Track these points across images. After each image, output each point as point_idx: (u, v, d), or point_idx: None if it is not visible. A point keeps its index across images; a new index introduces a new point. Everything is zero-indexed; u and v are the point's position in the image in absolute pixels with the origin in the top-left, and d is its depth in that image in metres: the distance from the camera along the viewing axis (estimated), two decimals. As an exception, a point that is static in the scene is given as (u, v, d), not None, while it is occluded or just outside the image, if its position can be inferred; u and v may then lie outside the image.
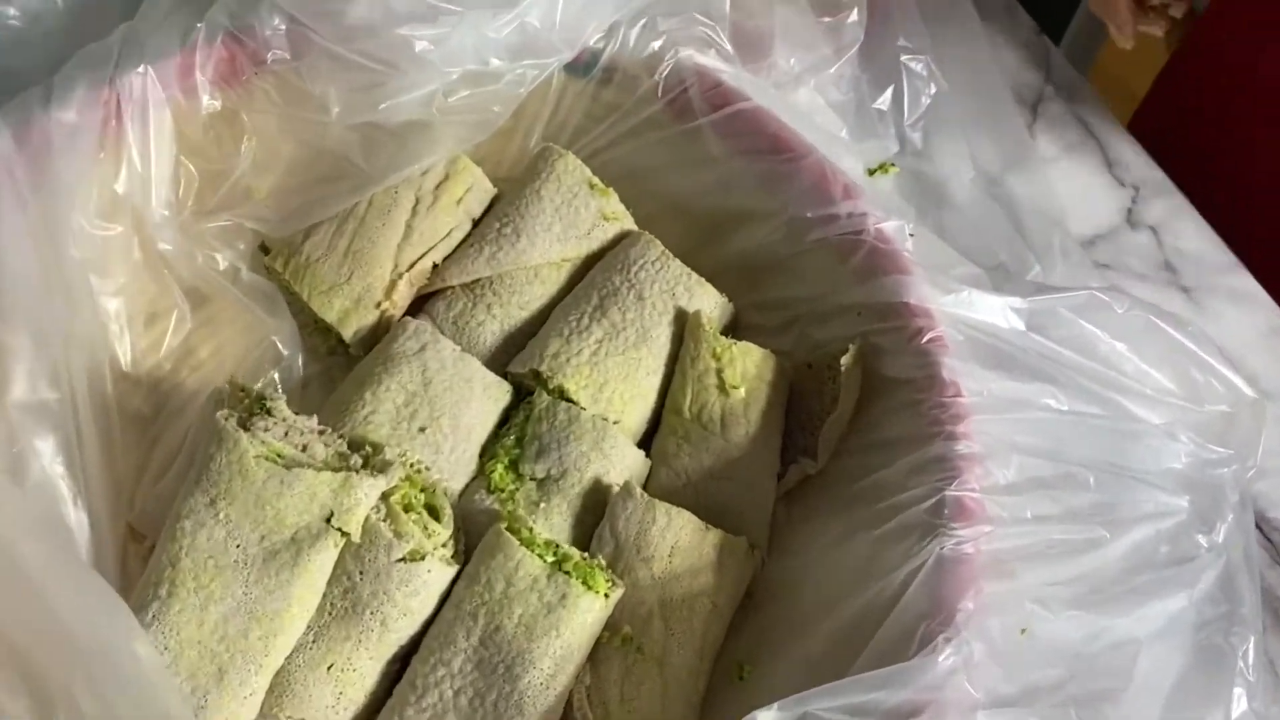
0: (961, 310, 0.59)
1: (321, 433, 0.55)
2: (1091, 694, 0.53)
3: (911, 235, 0.62)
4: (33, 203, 0.57)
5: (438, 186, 0.67)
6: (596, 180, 0.68)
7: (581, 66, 0.67)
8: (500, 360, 0.66)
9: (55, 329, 0.55)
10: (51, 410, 0.55)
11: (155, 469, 0.63)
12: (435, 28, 0.61)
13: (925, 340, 0.58)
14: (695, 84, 0.66)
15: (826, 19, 0.75)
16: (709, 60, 0.68)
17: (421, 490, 0.56)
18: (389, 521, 0.53)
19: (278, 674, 0.52)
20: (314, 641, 0.52)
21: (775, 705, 0.47)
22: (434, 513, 0.56)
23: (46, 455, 0.55)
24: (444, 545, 0.55)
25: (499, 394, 0.64)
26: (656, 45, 0.68)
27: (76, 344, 0.56)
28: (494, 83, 0.63)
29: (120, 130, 0.62)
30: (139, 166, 0.63)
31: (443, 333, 0.65)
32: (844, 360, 0.60)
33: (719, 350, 0.63)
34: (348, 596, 0.52)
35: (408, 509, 0.54)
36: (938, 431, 0.55)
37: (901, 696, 0.47)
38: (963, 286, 0.60)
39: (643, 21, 0.68)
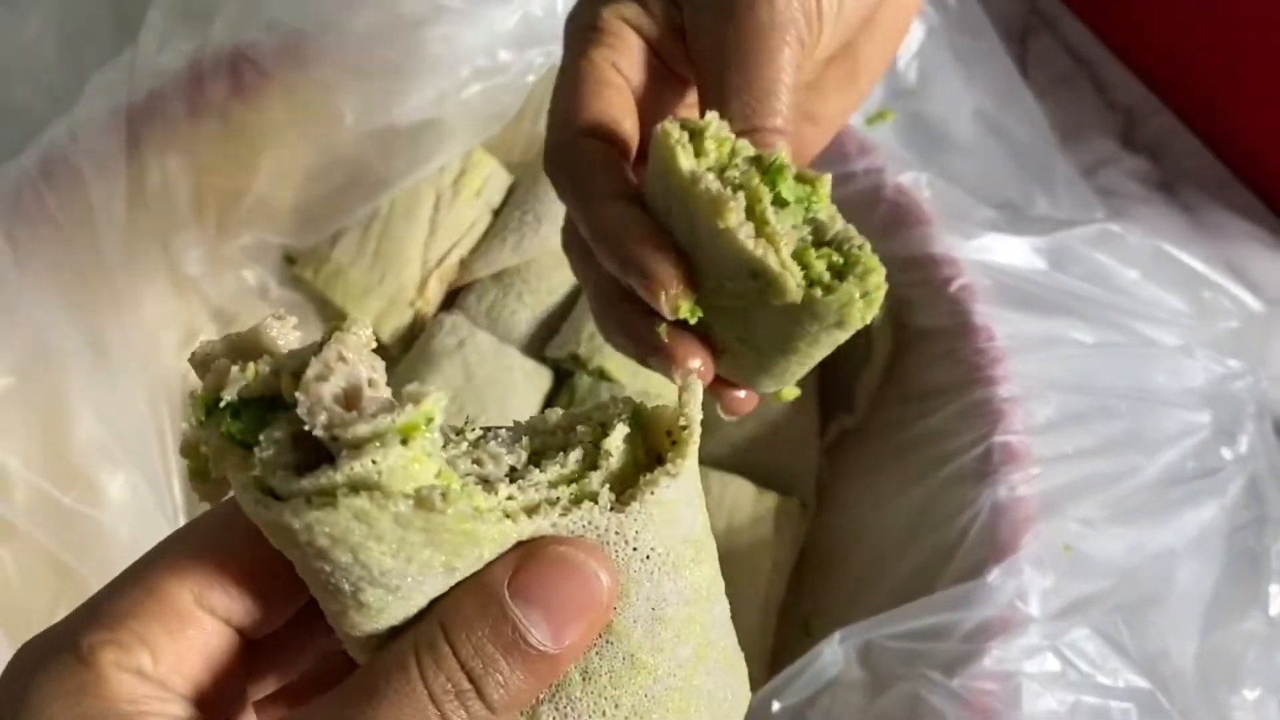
0: (985, 255, 0.61)
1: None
2: (1137, 601, 0.56)
3: (928, 185, 0.64)
4: (72, 238, 0.57)
5: (456, 181, 0.68)
6: (610, 159, 0.69)
7: (584, 47, 0.68)
8: (535, 345, 0.67)
9: (112, 362, 0.56)
10: (117, 443, 0.56)
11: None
12: (443, 26, 0.61)
13: (954, 289, 0.60)
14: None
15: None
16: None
17: (484, 483, 0.58)
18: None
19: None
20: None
21: (837, 635, 0.50)
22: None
23: (116, 485, 0.56)
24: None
25: (539, 379, 0.65)
26: (656, 19, 0.68)
27: (133, 374, 0.57)
28: (503, 75, 0.64)
29: (139, 158, 0.62)
30: (159, 192, 0.63)
31: (477, 325, 0.66)
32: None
33: (750, 317, 0.64)
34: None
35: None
36: (977, 377, 0.57)
37: (956, 618, 0.50)
38: (983, 231, 0.62)
39: (640, -4, 0.68)
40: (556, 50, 0.65)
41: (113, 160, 0.60)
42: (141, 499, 0.55)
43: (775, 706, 0.49)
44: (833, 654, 0.49)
